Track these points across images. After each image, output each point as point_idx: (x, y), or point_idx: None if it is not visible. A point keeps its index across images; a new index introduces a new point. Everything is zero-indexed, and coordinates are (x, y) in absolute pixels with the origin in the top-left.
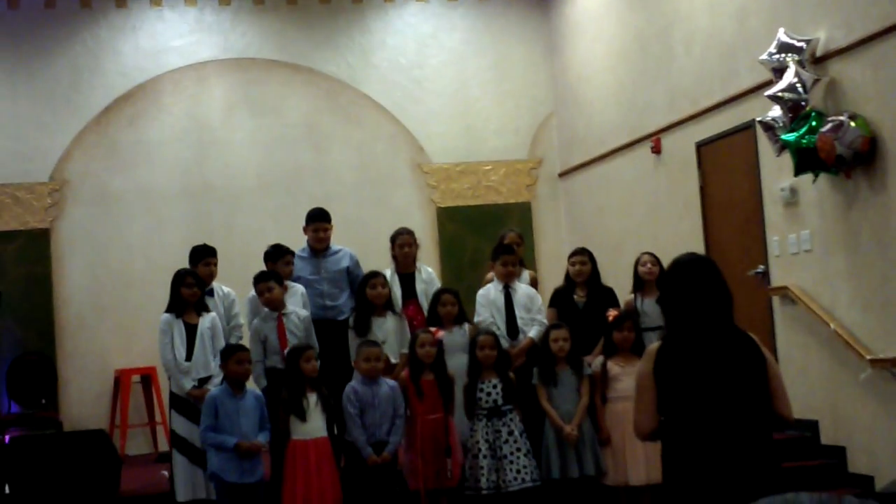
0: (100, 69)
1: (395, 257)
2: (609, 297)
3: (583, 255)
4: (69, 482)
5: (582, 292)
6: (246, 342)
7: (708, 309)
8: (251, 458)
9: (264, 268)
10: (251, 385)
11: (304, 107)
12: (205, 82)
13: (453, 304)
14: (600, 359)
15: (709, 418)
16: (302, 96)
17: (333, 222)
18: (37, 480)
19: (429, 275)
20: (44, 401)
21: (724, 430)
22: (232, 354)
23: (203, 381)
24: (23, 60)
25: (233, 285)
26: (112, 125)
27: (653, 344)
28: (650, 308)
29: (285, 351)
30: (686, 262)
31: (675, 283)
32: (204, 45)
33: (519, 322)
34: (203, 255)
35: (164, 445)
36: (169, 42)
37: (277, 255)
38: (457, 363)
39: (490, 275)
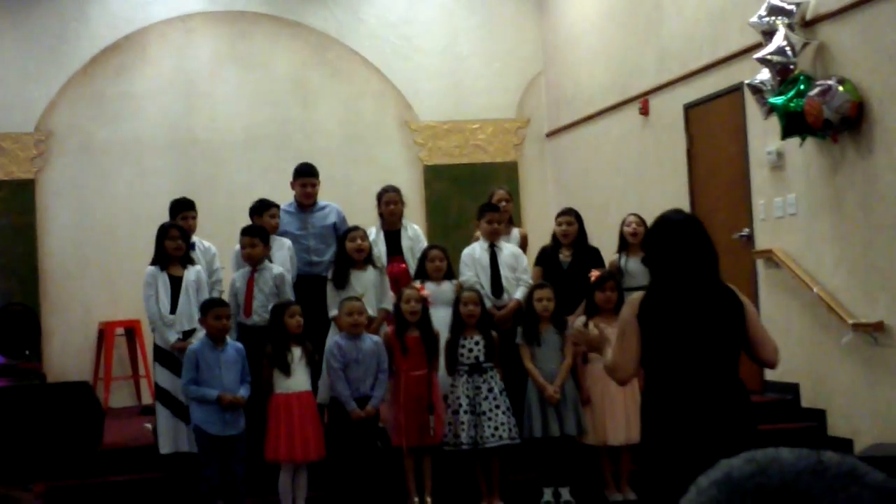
0: (86, 19)
1: (381, 215)
2: (595, 257)
3: (569, 216)
4: (52, 434)
5: (568, 252)
6: (227, 297)
7: (693, 264)
8: (233, 411)
9: (250, 223)
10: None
11: (292, 61)
12: (192, 34)
13: (441, 259)
14: (582, 318)
15: (687, 366)
16: (289, 50)
17: (320, 178)
18: (19, 431)
19: (415, 232)
20: (27, 352)
21: (702, 378)
22: (209, 309)
23: (188, 335)
24: (8, 9)
25: (217, 240)
26: (98, 76)
27: (636, 293)
28: (634, 268)
29: (252, 307)
30: (673, 219)
31: (661, 238)
32: None
33: (504, 282)
34: (181, 209)
35: (147, 398)
36: None
37: (263, 208)
38: (443, 316)
39: (477, 234)
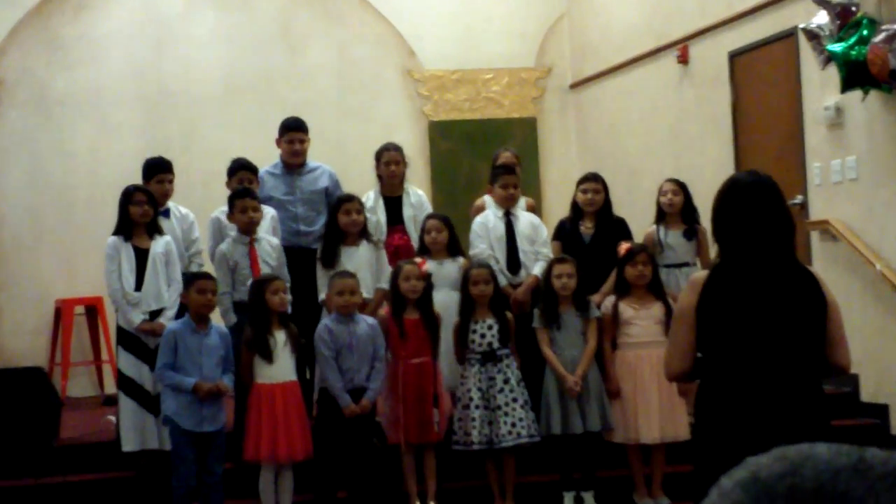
0: None
1: (380, 177)
2: (620, 229)
3: (595, 183)
4: (2, 427)
5: (590, 224)
6: (209, 270)
7: (767, 238)
8: (212, 403)
9: (226, 184)
10: (218, 320)
11: (278, 1)
12: None
13: (439, 230)
14: (611, 299)
15: (754, 361)
16: None
17: (310, 135)
18: None
19: (418, 198)
20: None
21: (770, 375)
22: (193, 282)
23: (154, 315)
24: None
25: (192, 206)
26: (54, 17)
27: (698, 273)
28: (674, 241)
29: None
30: (744, 182)
31: (732, 205)
32: None
33: (521, 255)
34: (157, 171)
35: (111, 387)
36: None
37: (237, 170)
38: (445, 299)
39: (480, 201)
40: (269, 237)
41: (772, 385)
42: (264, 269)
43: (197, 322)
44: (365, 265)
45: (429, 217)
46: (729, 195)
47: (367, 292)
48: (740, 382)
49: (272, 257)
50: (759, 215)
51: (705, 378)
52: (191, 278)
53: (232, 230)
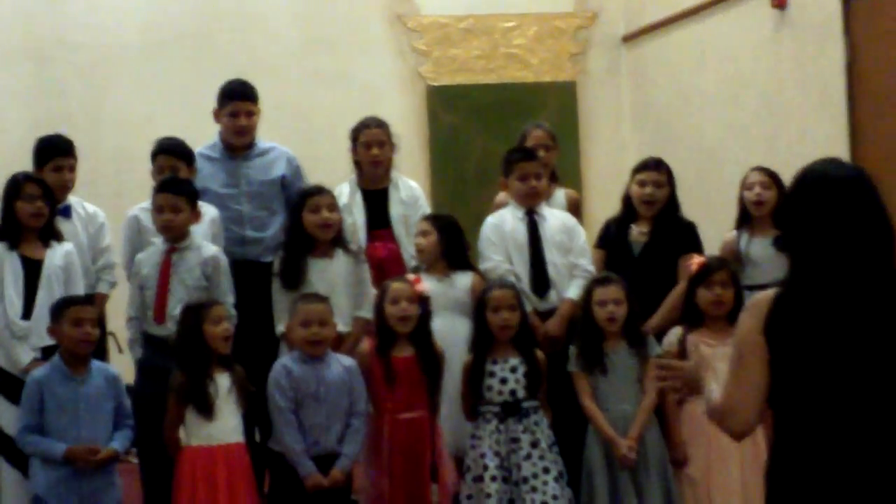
0: None
1: (357, 163)
2: (686, 236)
3: (658, 172)
4: None
5: (645, 227)
6: (124, 288)
7: (856, 247)
8: (98, 475)
9: (150, 173)
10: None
11: None
12: None
13: (426, 233)
14: (677, 331)
15: (846, 410)
16: None
17: (262, 107)
18: None
19: (410, 192)
20: None
21: (869, 429)
22: (64, 310)
23: (49, 352)
24: None
25: (102, 202)
26: None
27: (760, 293)
28: (761, 253)
29: (167, 309)
30: (828, 176)
31: (808, 207)
32: None
33: (549, 270)
34: (52, 154)
35: None
36: None
37: (168, 151)
38: (447, 328)
39: (502, 195)
40: (203, 245)
41: (870, 449)
42: (176, 291)
43: (71, 365)
44: (341, 285)
45: (422, 219)
46: (806, 192)
47: (343, 323)
48: (827, 440)
49: (194, 274)
50: (847, 217)
51: (777, 436)
52: (63, 304)
53: (158, 235)
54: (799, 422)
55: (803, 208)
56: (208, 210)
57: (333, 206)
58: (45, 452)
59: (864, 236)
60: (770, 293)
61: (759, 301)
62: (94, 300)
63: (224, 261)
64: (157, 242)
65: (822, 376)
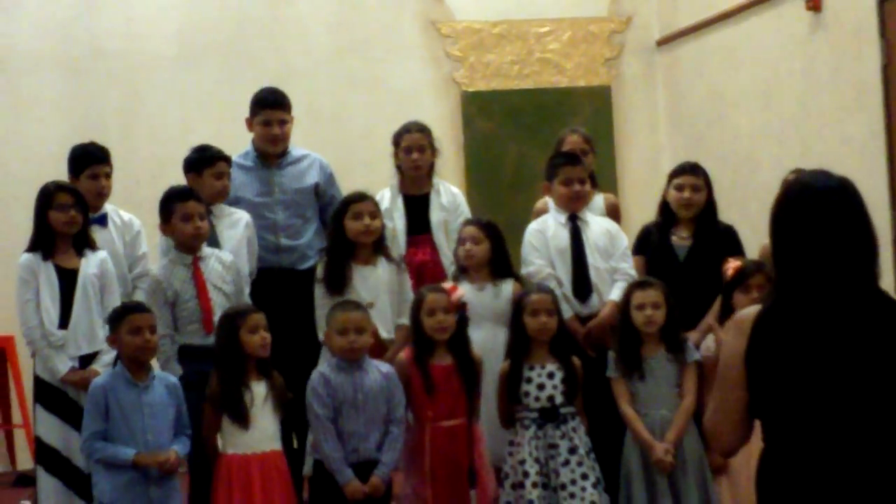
0: None
1: (399, 168)
2: (727, 241)
3: (694, 176)
4: None
5: (685, 232)
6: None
7: (840, 258)
8: (163, 483)
9: (185, 182)
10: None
11: None
12: None
13: (477, 240)
14: (714, 337)
15: (832, 427)
16: None
17: (296, 113)
18: None
19: (452, 198)
20: None
21: (853, 447)
22: (123, 317)
23: (87, 360)
24: None
25: (136, 210)
26: None
27: (747, 309)
28: None
29: (215, 316)
30: (814, 188)
31: (794, 219)
32: None
33: (592, 274)
34: (89, 161)
35: (25, 461)
36: None
37: (203, 162)
38: (488, 338)
39: (543, 202)
40: (219, 253)
41: (856, 462)
42: (217, 300)
43: (134, 372)
44: (384, 292)
45: (466, 223)
46: (793, 204)
47: (385, 330)
48: (812, 457)
49: (226, 281)
50: (833, 230)
51: (768, 452)
52: (120, 312)
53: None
54: (785, 432)
55: (787, 220)
56: (242, 216)
57: (375, 213)
58: (114, 458)
59: (847, 247)
60: (753, 310)
61: (742, 320)
62: (148, 308)
63: (244, 269)
64: (171, 255)
65: (806, 388)
